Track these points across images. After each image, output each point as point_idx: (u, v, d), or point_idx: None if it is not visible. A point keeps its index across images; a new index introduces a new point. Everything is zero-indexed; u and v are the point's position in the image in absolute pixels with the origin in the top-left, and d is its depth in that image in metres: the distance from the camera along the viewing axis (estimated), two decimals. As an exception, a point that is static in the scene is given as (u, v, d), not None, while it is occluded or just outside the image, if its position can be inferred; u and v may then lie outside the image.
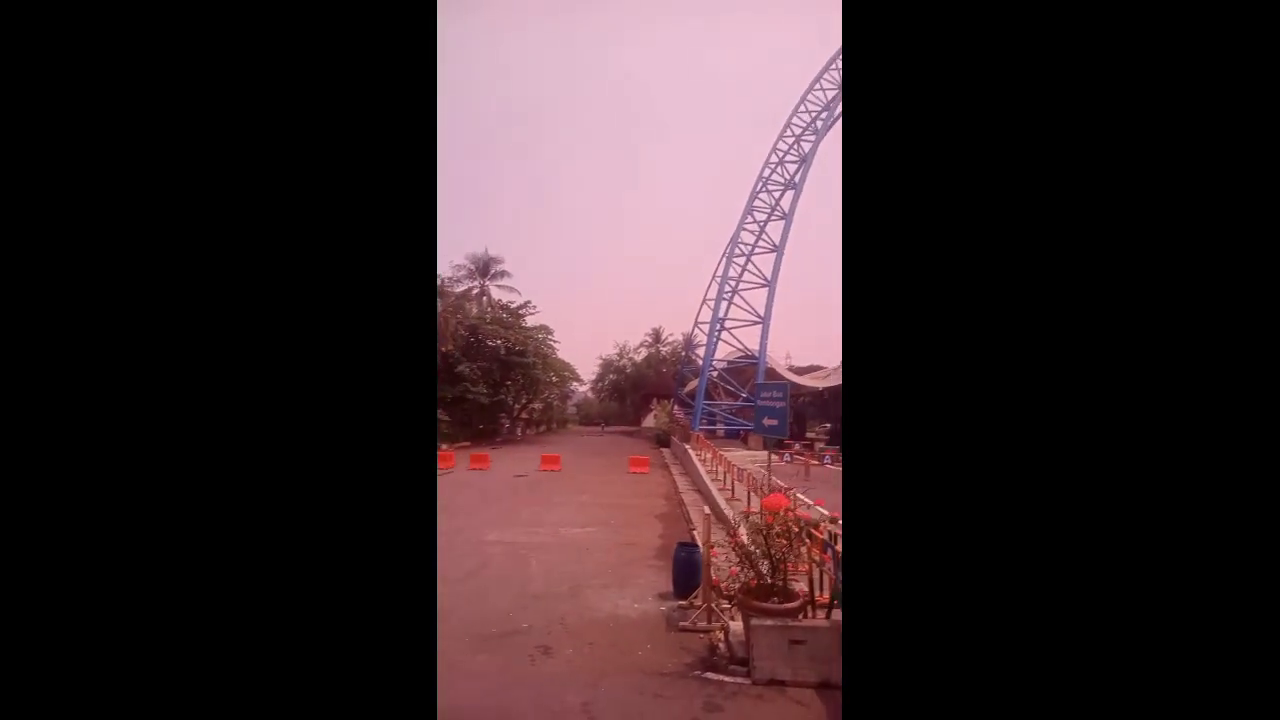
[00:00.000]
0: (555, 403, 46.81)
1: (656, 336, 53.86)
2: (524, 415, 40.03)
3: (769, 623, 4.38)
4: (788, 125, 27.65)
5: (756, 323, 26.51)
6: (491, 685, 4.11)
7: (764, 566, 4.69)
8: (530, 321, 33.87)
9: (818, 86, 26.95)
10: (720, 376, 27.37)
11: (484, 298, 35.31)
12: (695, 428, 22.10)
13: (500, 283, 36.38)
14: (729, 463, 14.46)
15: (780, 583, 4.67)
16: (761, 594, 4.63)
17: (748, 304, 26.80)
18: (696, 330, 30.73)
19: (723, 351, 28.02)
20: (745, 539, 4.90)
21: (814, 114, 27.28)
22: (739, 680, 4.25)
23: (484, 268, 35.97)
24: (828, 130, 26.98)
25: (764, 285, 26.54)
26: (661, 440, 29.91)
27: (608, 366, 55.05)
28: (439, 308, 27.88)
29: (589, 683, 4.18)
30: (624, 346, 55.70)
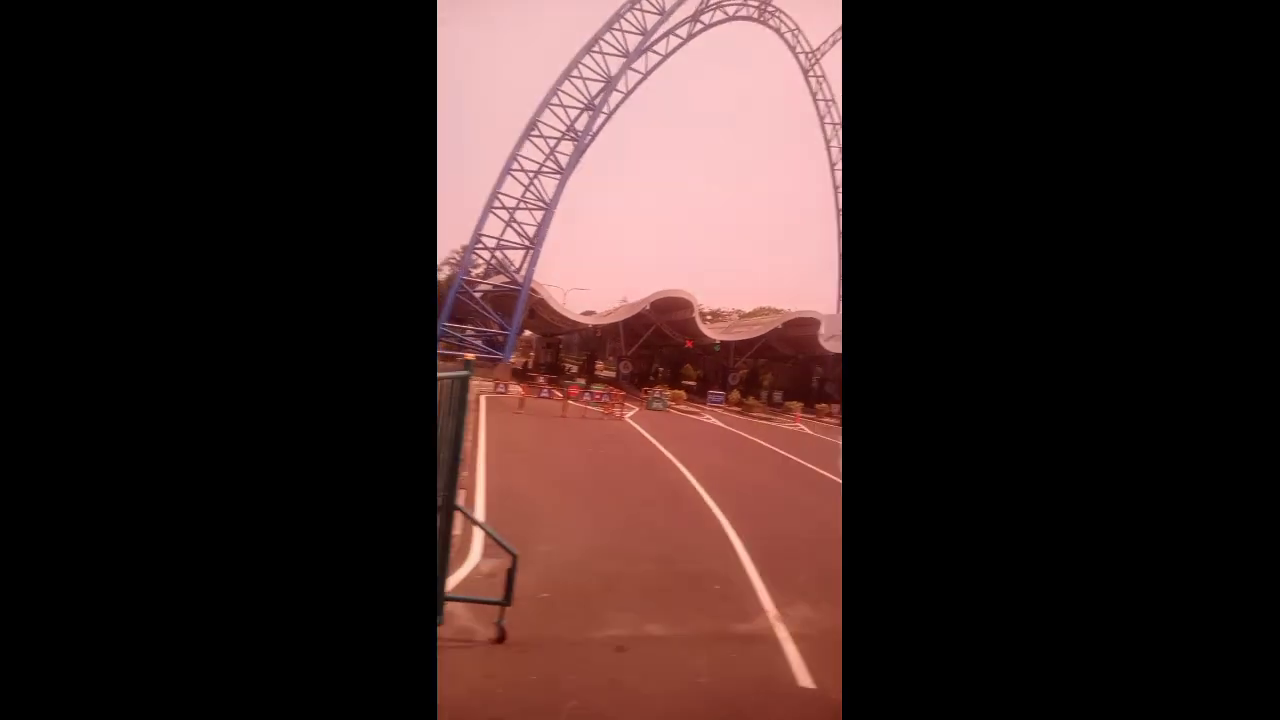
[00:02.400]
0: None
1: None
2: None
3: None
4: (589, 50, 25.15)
5: (529, 246, 24.40)
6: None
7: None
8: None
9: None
10: (476, 301, 24.86)
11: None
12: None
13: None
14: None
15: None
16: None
17: (519, 226, 24.48)
18: (481, 252, 27.31)
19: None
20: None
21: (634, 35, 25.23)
22: None
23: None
24: (639, 55, 25.22)
25: (542, 208, 24.41)
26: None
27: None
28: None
29: None
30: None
